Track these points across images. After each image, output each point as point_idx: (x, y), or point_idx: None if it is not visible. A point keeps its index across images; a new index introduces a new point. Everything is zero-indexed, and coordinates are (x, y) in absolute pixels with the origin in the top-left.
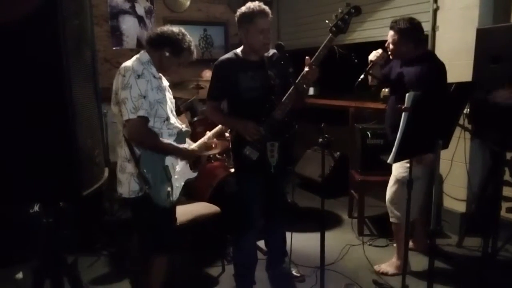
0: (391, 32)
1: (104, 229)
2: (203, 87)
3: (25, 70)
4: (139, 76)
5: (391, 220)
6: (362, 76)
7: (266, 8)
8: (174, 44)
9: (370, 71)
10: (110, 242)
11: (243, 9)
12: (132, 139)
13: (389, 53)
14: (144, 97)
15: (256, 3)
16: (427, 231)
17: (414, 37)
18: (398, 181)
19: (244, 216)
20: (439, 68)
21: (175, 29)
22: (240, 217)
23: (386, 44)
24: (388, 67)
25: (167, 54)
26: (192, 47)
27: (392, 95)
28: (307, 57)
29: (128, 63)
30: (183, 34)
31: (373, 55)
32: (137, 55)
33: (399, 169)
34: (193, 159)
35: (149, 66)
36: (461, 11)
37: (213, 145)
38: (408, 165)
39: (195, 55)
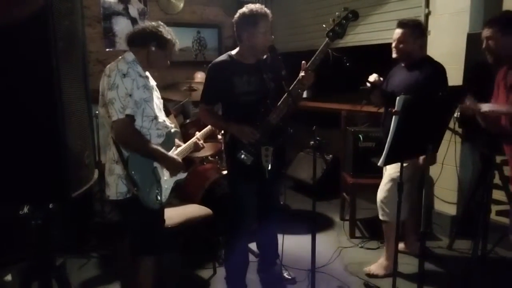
0: (398, 30)
1: (95, 231)
2: (196, 89)
3: (14, 70)
4: (124, 75)
5: (381, 217)
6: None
7: (267, 10)
8: (159, 37)
9: (370, 95)
10: (101, 244)
11: (244, 11)
12: (119, 139)
13: (394, 53)
14: (130, 95)
15: (258, 5)
16: (417, 233)
17: (422, 36)
18: (393, 180)
19: (236, 219)
20: (444, 70)
21: (154, 23)
22: (233, 219)
23: (393, 45)
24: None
25: (153, 48)
26: (174, 38)
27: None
28: (303, 62)
29: (113, 63)
30: (163, 26)
31: (372, 78)
32: (122, 56)
33: (394, 168)
34: (177, 170)
35: (135, 65)
36: (452, 16)
37: (201, 146)
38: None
39: (178, 46)
